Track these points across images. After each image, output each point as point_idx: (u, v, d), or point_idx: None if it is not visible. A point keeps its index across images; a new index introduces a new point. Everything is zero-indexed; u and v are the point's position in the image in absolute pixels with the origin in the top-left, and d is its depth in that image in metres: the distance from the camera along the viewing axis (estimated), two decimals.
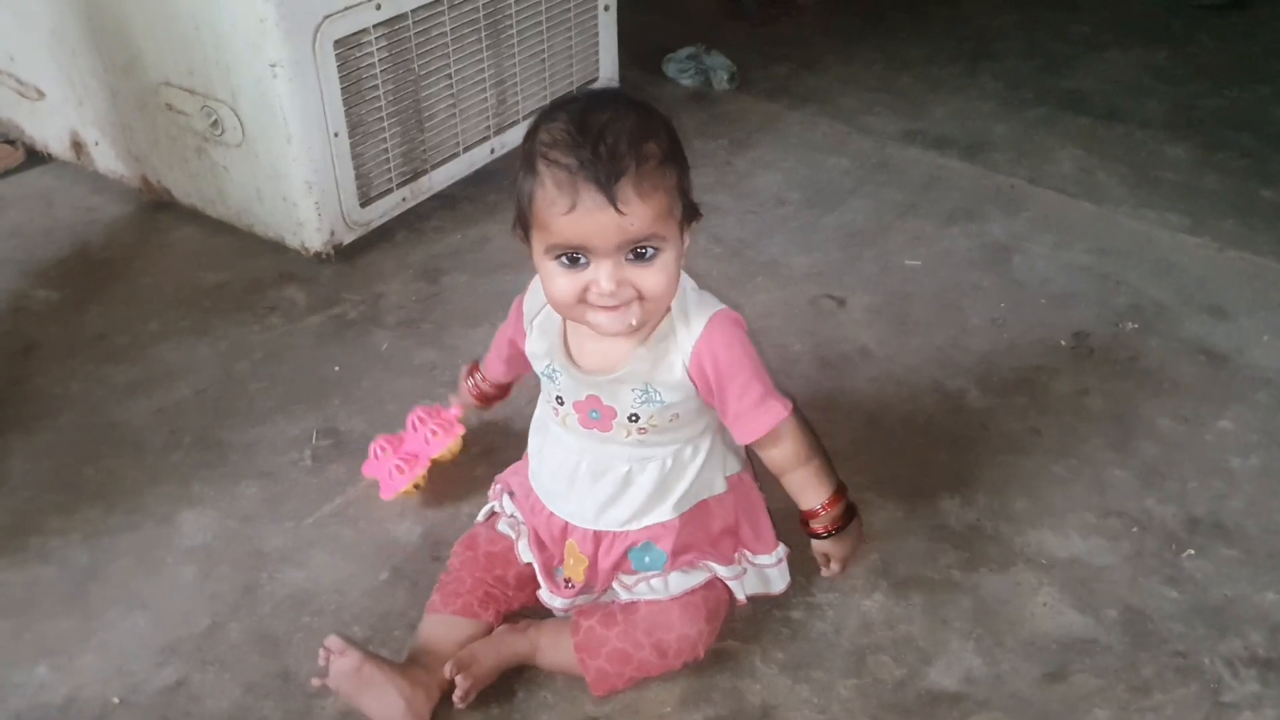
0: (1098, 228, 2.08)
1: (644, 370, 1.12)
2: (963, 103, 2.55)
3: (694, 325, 1.12)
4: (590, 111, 1.03)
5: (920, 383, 1.70)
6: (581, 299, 1.05)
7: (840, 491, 1.23)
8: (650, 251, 1.04)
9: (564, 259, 1.04)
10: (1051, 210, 2.13)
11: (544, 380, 1.18)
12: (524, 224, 1.07)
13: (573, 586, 1.24)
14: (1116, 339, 1.79)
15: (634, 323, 1.07)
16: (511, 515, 1.29)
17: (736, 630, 1.30)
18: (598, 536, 1.21)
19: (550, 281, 1.06)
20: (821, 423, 1.60)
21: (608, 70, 2.32)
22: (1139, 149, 2.35)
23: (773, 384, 1.16)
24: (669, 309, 1.12)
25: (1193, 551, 1.42)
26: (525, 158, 1.05)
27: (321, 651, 1.18)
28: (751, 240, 2.04)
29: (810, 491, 1.21)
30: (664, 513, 1.19)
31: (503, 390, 1.45)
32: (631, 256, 1.03)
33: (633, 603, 1.23)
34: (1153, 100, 2.56)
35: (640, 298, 1.05)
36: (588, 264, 1.04)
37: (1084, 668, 1.28)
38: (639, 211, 1.01)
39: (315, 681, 1.19)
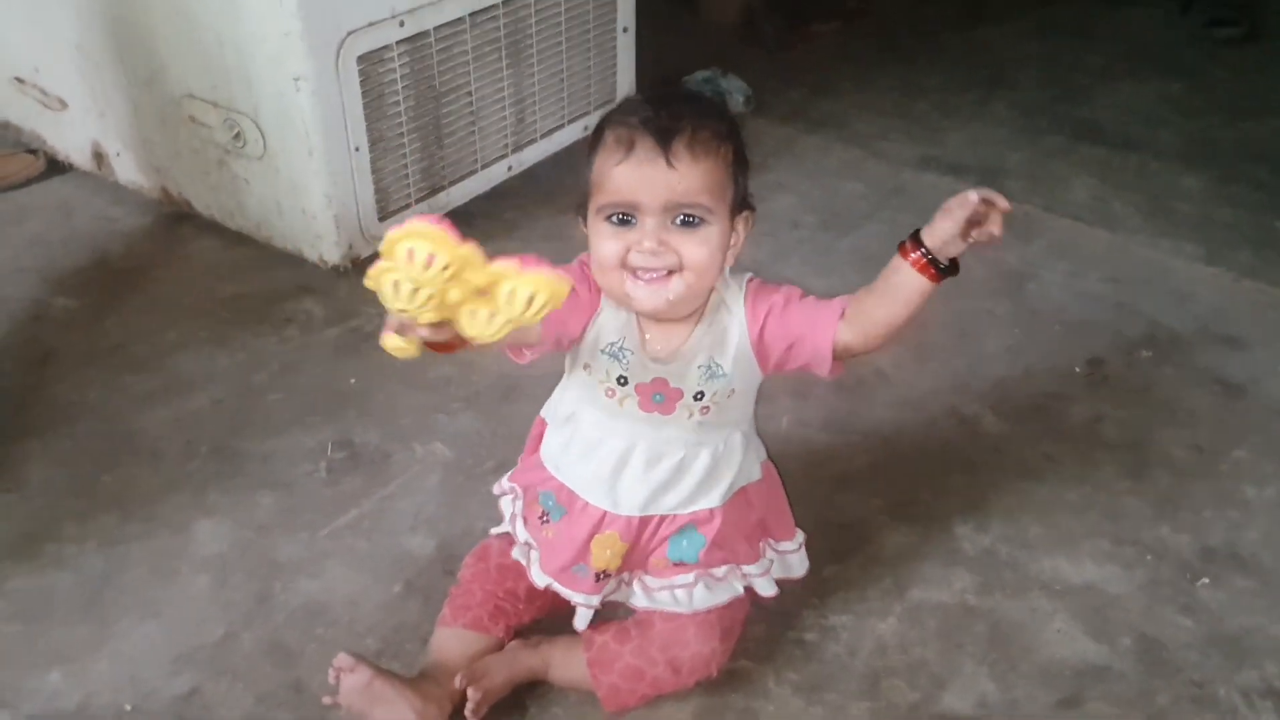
0: (1113, 256, 2.08)
1: (708, 344, 1.13)
2: (978, 130, 2.56)
3: (735, 291, 1.14)
4: (662, 93, 1.10)
5: (936, 408, 1.70)
6: (624, 262, 1.06)
7: (901, 246, 1.09)
8: (697, 220, 1.05)
9: (614, 218, 1.06)
10: (1066, 238, 2.14)
11: (606, 360, 1.14)
12: (584, 202, 1.09)
13: (606, 578, 1.21)
14: (1131, 367, 1.79)
15: (671, 298, 1.07)
16: (526, 543, 1.27)
17: (750, 650, 1.30)
18: (643, 522, 1.19)
19: (598, 245, 1.08)
20: (838, 446, 1.62)
21: (625, 91, 2.33)
22: (1154, 179, 2.36)
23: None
24: (713, 290, 1.13)
25: (1208, 581, 1.42)
26: (594, 135, 1.09)
27: (331, 670, 1.18)
28: (767, 262, 2.04)
29: (899, 275, 1.08)
30: (713, 499, 1.19)
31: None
32: (679, 222, 1.05)
33: (648, 619, 1.23)
34: (1167, 131, 2.57)
35: (681, 268, 1.06)
36: (636, 225, 1.05)
37: (1098, 695, 1.27)
38: (689, 172, 1.03)
39: (326, 700, 1.19)
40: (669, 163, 1.02)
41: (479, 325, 0.90)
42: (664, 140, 1.03)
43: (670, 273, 1.06)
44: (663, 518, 1.19)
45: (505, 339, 0.91)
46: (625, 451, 1.17)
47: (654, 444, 1.16)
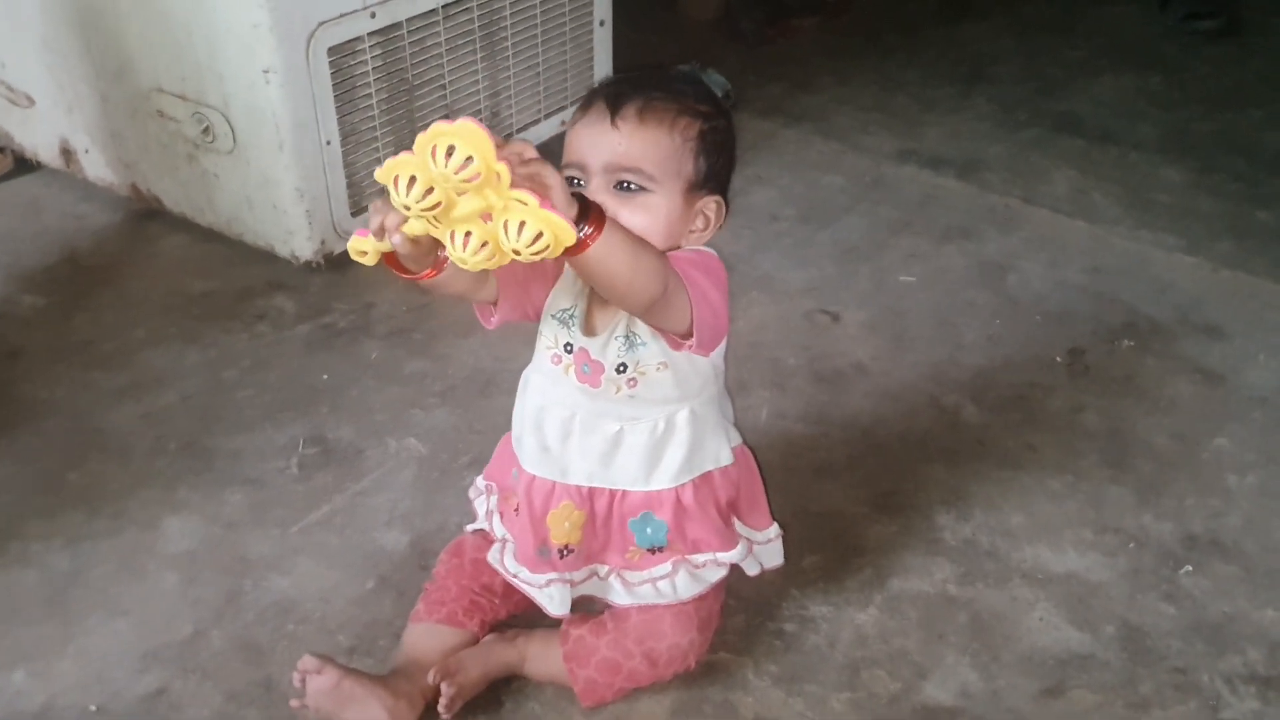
0: (1093, 247, 2.07)
1: (626, 316, 1.09)
2: (958, 123, 2.55)
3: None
4: (649, 71, 1.10)
5: (915, 398, 1.68)
6: None
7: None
8: (634, 186, 1.03)
9: (571, 182, 1.04)
10: (1046, 229, 2.13)
11: (555, 325, 1.13)
12: None
13: (569, 553, 1.18)
14: (1112, 356, 1.78)
15: None
16: (503, 538, 1.25)
17: (729, 642, 1.28)
18: (594, 492, 1.17)
19: None
20: (817, 437, 1.60)
21: None
22: (1133, 170, 2.35)
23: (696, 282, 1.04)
24: None
25: (1190, 568, 1.40)
26: None
27: (295, 674, 1.15)
28: (746, 255, 2.02)
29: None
30: (661, 481, 1.15)
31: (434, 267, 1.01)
32: (617, 186, 1.04)
33: (624, 611, 1.21)
34: (1146, 123, 2.56)
35: None
36: (585, 189, 1.04)
37: (1081, 684, 1.26)
38: (633, 136, 1.02)
39: (294, 704, 1.16)
40: (613, 123, 1.02)
41: (466, 249, 0.85)
42: (613, 103, 1.03)
43: None
44: (614, 493, 1.17)
45: (481, 268, 0.86)
46: (567, 420, 1.15)
47: (590, 415, 1.14)
